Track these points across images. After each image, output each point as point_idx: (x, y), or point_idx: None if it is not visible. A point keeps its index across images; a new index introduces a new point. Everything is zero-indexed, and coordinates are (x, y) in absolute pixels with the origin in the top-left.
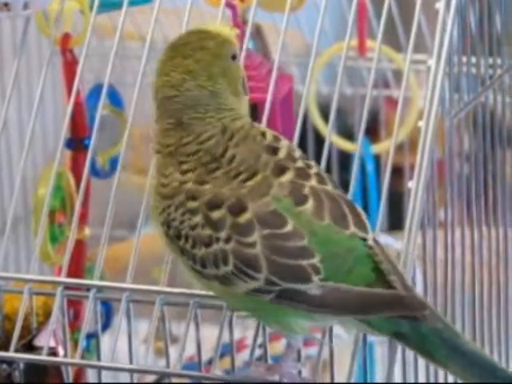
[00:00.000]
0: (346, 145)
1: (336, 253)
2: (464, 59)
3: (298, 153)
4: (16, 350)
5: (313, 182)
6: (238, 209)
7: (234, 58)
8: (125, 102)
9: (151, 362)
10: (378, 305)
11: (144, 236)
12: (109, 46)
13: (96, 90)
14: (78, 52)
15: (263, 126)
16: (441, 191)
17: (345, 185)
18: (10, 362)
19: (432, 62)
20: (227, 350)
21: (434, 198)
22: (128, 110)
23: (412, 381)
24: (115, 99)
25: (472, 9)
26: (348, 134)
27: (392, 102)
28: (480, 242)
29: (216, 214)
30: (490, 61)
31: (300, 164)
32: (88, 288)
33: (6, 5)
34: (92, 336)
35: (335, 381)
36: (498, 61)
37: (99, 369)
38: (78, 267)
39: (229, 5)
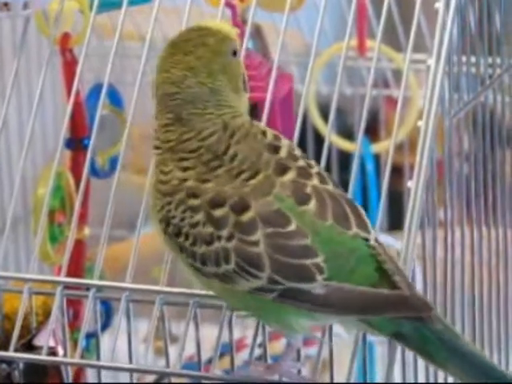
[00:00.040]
0: (345, 144)
1: (339, 253)
2: (463, 59)
3: (298, 152)
4: (15, 350)
5: (315, 181)
6: (241, 207)
7: (234, 53)
8: (124, 101)
9: (151, 361)
10: (383, 305)
11: (144, 236)
12: (108, 45)
13: (96, 90)
14: (77, 52)
15: (262, 124)
16: (440, 191)
17: (345, 184)
18: (10, 362)
19: (431, 62)
20: (227, 349)
21: (433, 197)
22: (128, 110)
23: (412, 381)
24: (115, 99)
25: (471, 8)
26: (348, 133)
27: (392, 101)
28: (480, 241)
29: (218, 212)
30: (490, 60)
31: (301, 163)
32: (87, 287)
33: (5, 4)
34: (92, 335)
35: (335, 380)
36: (498, 60)
37: (99, 368)
38: (77, 267)
39: (228, 4)
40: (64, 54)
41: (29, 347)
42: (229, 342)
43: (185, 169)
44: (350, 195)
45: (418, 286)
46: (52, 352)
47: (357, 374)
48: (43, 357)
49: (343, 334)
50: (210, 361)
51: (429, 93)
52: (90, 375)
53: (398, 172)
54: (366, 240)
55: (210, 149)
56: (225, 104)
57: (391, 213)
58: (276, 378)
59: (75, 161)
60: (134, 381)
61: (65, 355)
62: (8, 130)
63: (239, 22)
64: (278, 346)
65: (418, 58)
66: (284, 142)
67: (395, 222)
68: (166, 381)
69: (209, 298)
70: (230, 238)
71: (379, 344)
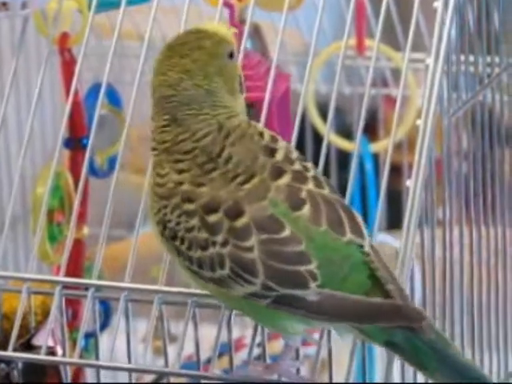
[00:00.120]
0: (344, 144)
1: (332, 259)
2: (462, 58)
3: (295, 154)
4: (14, 350)
5: (310, 185)
6: (235, 213)
7: (231, 56)
8: (123, 100)
9: (150, 361)
10: (375, 314)
11: (142, 235)
12: (107, 45)
13: (94, 90)
14: (76, 51)
15: (260, 125)
16: (439, 190)
17: (343, 183)
18: (9, 362)
19: (430, 61)
20: (226, 349)
21: (432, 196)
22: (126, 109)
23: (411, 380)
24: (114, 98)
25: (470, 7)
26: (346, 132)
27: (391, 100)
28: (478, 240)
29: (212, 218)
30: (488, 59)
31: (297, 167)
32: (86, 287)
33: (4, 4)
34: (90, 335)
35: (334, 380)
36: (496, 59)
37: (98, 368)
38: (76, 266)
39: (226, 4)
40: (62, 53)
41: (28, 347)
42: (227, 341)
43: (180, 171)
44: (348, 194)
45: (417, 285)
46: (51, 352)
47: (356, 374)
48: (42, 356)
49: None
50: (208, 360)
51: (427, 92)
52: (89, 375)
53: (396, 171)
54: (361, 246)
55: (204, 150)
56: (220, 105)
57: (390, 212)
58: (275, 377)
59: (74, 160)
60: (133, 380)
61: (64, 355)
62: (7, 129)
63: (237, 21)
64: (276, 346)
65: (417, 57)
66: (281, 144)
67: (394, 221)
68: (164, 380)
69: (207, 298)
70: (224, 243)
71: None
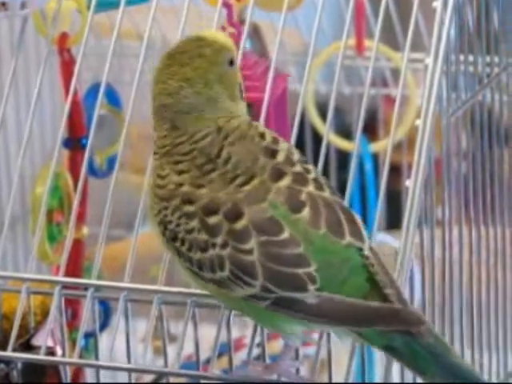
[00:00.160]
0: (344, 143)
1: (331, 262)
2: (461, 57)
3: (296, 156)
4: (14, 350)
5: (310, 187)
6: (235, 215)
7: (231, 63)
8: (123, 100)
9: (149, 360)
10: (373, 318)
11: (142, 235)
12: (106, 44)
13: (94, 89)
14: (76, 51)
15: (262, 126)
16: (439, 190)
17: (343, 183)
18: (8, 362)
19: (429, 61)
20: (225, 349)
21: (431, 196)
22: (126, 109)
23: (410, 381)
24: (113, 98)
25: (469, 7)
26: (346, 132)
27: (390, 100)
28: (478, 240)
29: (212, 220)
30: (488, 59)
31: (298, 168)
32: (86, 287)
33: (3, 4)
34: (90, 335)
35: (333, 380)
36: (496, 59)
37: (97, 368)
38: (76, 266)
39: (225, 4)
40: (62, 53)
41: (27, 347)
42: (227, 341)
43: (180, 172)
44: (348, 194)
45: (417, 285)
46: (50, 352)
47: (355, 374)
48: (41, 356)
49: None
50: (208, 360)
51: (426, 92)
52: (89, 375)
53: (396, 171)
54: (360, 249)
55: (202, 152)
56: (221, 109)
57: (390, 212)
58: (274, 377)
59: (73, 160)
60: (133, 380)
61: (63, 355)
62: (6, 129)
63: (236, 21)
64: (276, 346)
65: (416, 57)
66: (282, 146)
67: (394, 221)
68: (164, 381)
69: (207, 298)
70: (224, 245)
71: None
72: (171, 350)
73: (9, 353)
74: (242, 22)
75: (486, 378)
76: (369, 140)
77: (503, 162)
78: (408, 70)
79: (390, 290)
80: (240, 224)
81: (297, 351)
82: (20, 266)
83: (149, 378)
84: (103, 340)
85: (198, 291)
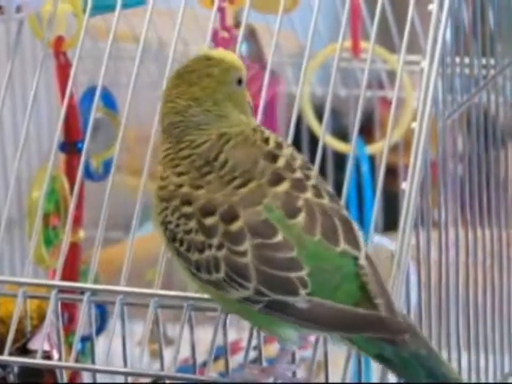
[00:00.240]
0: (340, 146)
1: (324, 269)
2: (457, 60)
3: (299, 162)
4: (10, 354)
5: (308, 194)
6: (230, 216)
7: (239, 82)
8: (119, 103)
9: (146, 363)
10: (361, 324)
11: (138, 238)
12: (103, 47)
13: (90, 93)
14: (72, 54)
15: (268, 131)
16: (435, 192)
17: (340, 185)
18: (4, 366)
19: (425, 64)
20: (222, 352)
21: (427, 199)
22: (122, 112)
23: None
24: (109, 101)
25: (465, 8)
26: (342, 134)
27: (386, 102)
28: (474, 242)
29: (209, 221)
30: (484, 61)
31: (298, 175)
32: (82, 291)
33: None
34: (86, 339)
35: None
36: (492, 61)
37: (94, 372)
38: (72, 270)
39: (218, 8)
40: (58, 56)
41: (23, 351)
42: (223, 344)
43: (179, 174)
44: (344, 196)
45: (413, 288)
46: (47, 356)
47: (352, 375)
48: (38, 360)
49: None
50: (204, 364)
51: (422, 95)
52: (86, 378)
53: (392, 173)
54: (355, 258)
55: (201, 155)
56: (231, 122)
57: (386, 213)
58: (271, 380)
59: (69, 164)
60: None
61: (60, 359)
62: (3, 132)
63: (229, 25)
64: (272, 349)
65: (413, 59)
66: (285, 152)
67: (390, 223)
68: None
69: (203, 301)
70: (219, 247)
71: None
72: (168, 353)
73: (5, 357)
74: (237, 24)
75: (482, 379)
76: (365, 142)
77: (499, 164)
78: (404, 72)
79: (380, 300)
80: (235, 226)
81: (293, 354)
82: (17, 269)
83: (145, 379)
84: (100, 344)
85: (194, 295)
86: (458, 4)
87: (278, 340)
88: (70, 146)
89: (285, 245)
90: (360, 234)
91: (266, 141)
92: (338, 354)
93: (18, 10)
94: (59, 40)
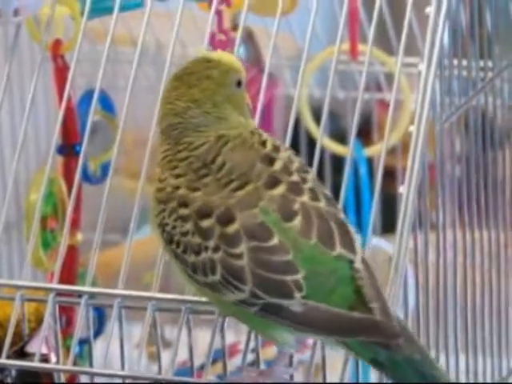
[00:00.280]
0: (338, 148)
1: (319, 272)
2: (455, 62)
3: (296, 165)
4: (8, 357)
5: (305, 197)
6: (227, 219)
7: (239, 84)
8: (117, 106)
9: (144, 366)
10: (355, 328)
11: (136, 241)
12: (101, 50)
13: (87, 96)
14: (69, 57)
15: (266, 134)
16: (433, 194)
17: (337, 188)
18: (2, 369)
19: (423, 67)
20: (220, 355)
21: (425, 201)
22: (120, 115)
23: None
24: (107, 104)
25: (462, 11)
26: (340, 137)
27: (384, 105)
28: (472, 244)
29: (205, 223)
30: (481, 63)
31: (295, 178)
32: (80, 294)
33: None
34: (84, 342)
35: None
36: (489, 63)
37: (92, 375)
38: (70, 273)
39: (215, 10)
40: (56, 60)
41: (21, 354)
42: (221, 347)
43: (177, 176)
44: (342, 198)
45: (411, 290)
46: (44, 359)
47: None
48: (36, 364)
49: None
50: (202, 366)
51: (420, 97)
52: (84, 380)
53: (390, 175)
54: (351, 261)
55: (199, 158)
56: (225, 122)
57: (384, 216)
58: (269, 383)
59: (67, 167)
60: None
61: (57, 362)
62: (1, 134)
63: (226, 28)
64: (270, 352)
65: (410, 62)
66: (283, 155)
67: (388, 225)
68: None
69: (201, 304)
70: (216, 249)
71: None
72: (166, 356)
73: (3, 360)
74: (235, 27)
75: (480, 381)
76: (363, 144)
77: (497, 167)
78: (402, 74)
79: (375, 304)
80: (231, 228)
81: (291, 357)
82: (15, 272)
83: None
84: (97, 347)
85: (192, 298)
86: (456, 6)
87: (276, 343)
88: (68, 148)
89: (280, 248)
90: (356, 237)
91: (264, 144)
92: (336, 357)
93: (16, 13)
94: (57, 43)
